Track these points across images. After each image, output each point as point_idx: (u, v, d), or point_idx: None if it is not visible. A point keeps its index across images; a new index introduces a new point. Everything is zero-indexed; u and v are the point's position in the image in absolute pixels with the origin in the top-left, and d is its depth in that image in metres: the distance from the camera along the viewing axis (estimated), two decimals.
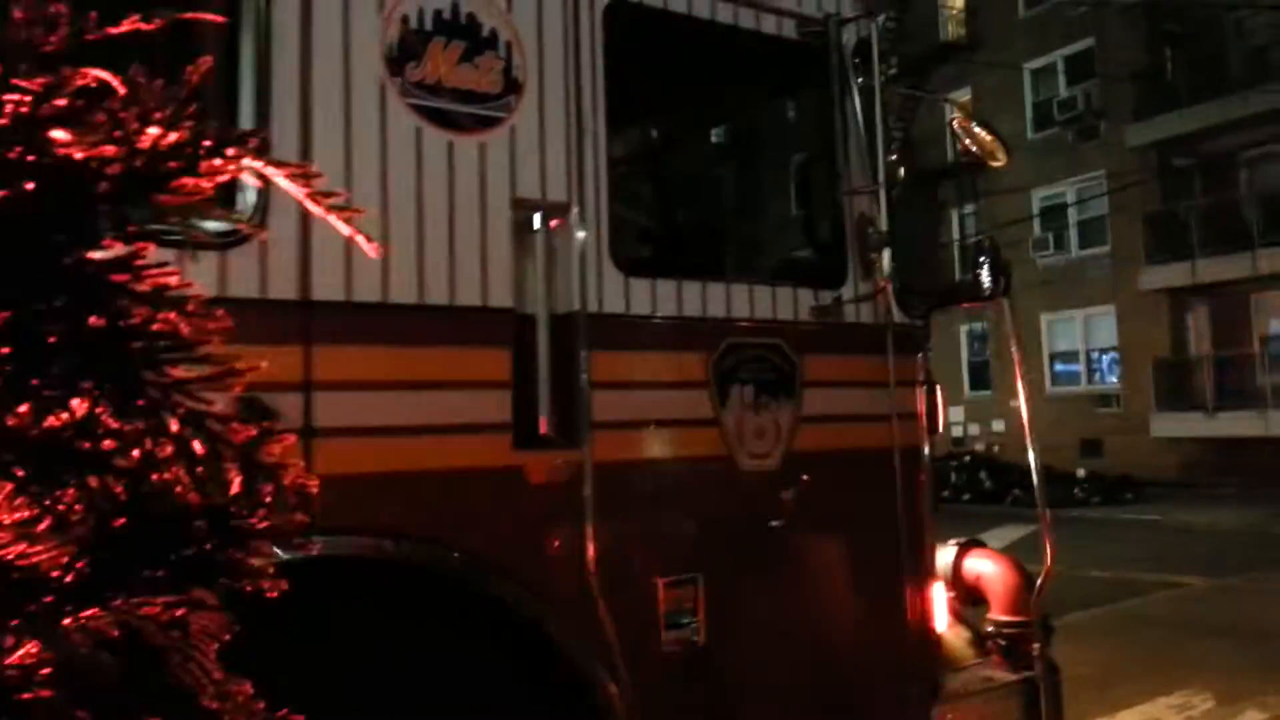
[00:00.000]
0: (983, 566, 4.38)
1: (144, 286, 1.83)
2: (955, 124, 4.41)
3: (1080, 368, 29.61)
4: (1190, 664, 8.02)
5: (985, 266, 4.09)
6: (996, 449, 27.77)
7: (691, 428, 3.43)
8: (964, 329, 31.64)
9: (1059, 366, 30.06)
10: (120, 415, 1.74)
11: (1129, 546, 15.95)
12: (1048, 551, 4.11)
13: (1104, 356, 29.14)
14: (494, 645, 3.00)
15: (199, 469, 1.79)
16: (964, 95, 32.27)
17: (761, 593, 3.54)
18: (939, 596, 3.94)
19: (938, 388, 4.16)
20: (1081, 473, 24.07)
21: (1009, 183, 30.47)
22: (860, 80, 3.86)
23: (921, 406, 4.02)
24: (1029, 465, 4.37)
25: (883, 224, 3.68)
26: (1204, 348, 26.72)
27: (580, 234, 3.21)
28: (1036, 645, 4.11)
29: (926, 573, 3.94)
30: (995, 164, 4.62)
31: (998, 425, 29.40)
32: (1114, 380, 28.64)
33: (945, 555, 4.43)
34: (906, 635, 3.80)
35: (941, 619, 3.94)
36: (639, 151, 4.48)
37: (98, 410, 1.59)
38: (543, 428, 3.08)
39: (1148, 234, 26.42)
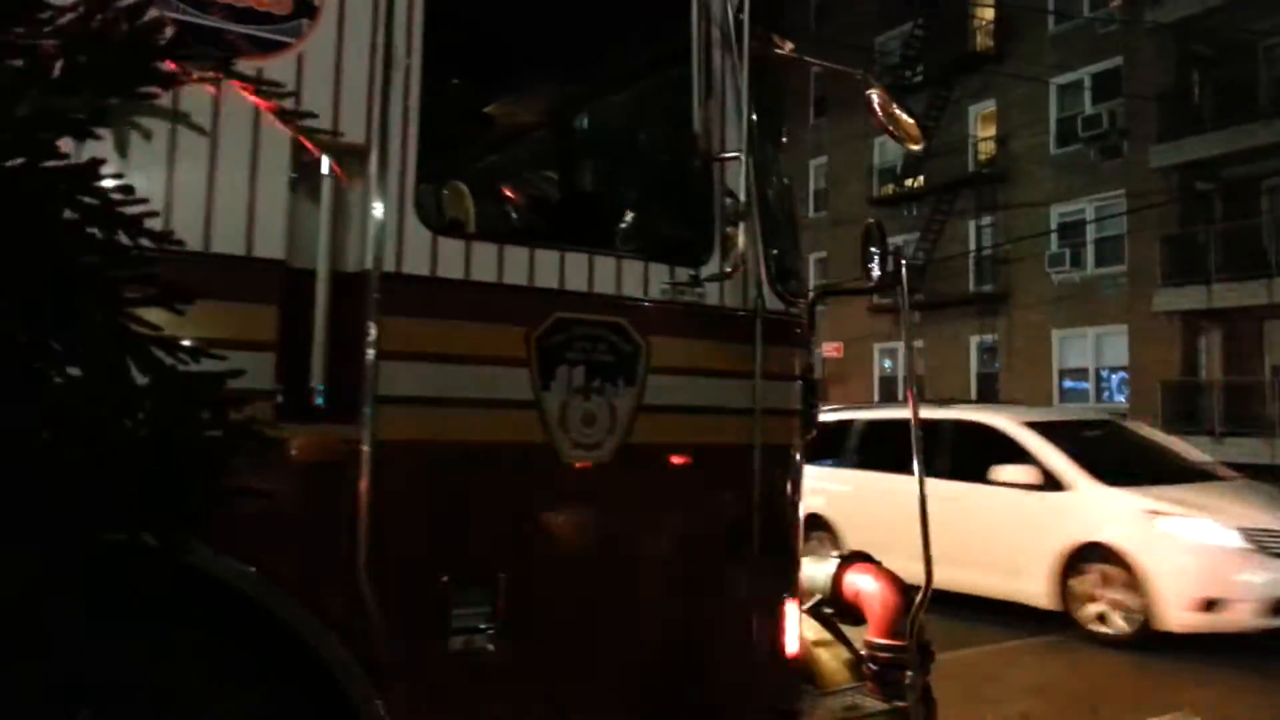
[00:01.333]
0: (863, 583, 3.99)
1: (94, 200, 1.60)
2: (875, 103, 4.04)
3: (1089, 385, 29.13)
4: (1184, 685, 7.83)
5: (875, 255, 3.72)
6: None
7: (503, 409, 3.02)
8: (974, 340, 31.22)
9: (1068, 383, 29.60)
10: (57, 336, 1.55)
11: None
12: (925, 574, 3.74)
13: (1114, 375, 28.70)
14: (233, 653, 2.61)
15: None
16: (989, 106, 31.98)
17: (576, 600, 3.14)
18: (793, 613, 3.55)
19: (816, 384, 3.79)
20: None
21: (1028, 197, 30.14)
22: (735, 36, 3.46)
23: (795, 403, 3.64)
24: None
25: (742, 194, 3.27)
26: (1215, 372, 26.23)
27: (378, 183, 2.85)
28: (910, 673, 3.72)
29: (784, 585, 3.55)
30: (912, 147, 4.28)
31: None
32: (1122, 400, 28.14)
33: (826, 568, 4.07)
34: (753, 655, 3.40)
35: (793, 639, 3.54)
36: (465, 96, 4.02)
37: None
38: (314, 399, 2.72)
39: (1165, 255, 25.94)
